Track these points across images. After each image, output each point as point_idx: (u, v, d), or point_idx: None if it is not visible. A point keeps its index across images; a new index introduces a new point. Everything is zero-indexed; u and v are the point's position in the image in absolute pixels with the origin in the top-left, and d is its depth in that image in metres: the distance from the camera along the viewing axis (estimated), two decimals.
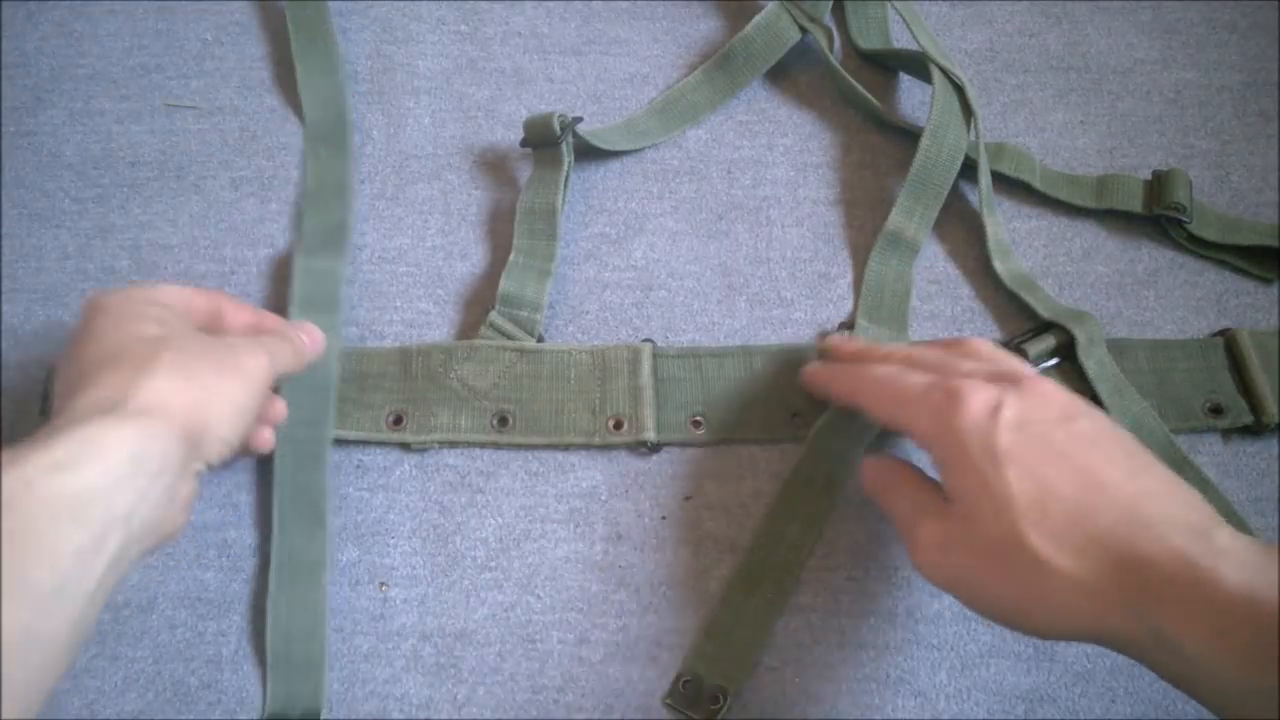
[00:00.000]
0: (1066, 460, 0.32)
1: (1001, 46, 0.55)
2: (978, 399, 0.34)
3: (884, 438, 0.44)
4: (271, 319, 0.42)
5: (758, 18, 0.52)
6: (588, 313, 0.48)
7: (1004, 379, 0.35)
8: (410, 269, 0.49)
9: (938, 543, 0.34)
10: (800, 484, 0.43)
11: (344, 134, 0.51)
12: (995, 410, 0.33)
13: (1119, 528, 0.30)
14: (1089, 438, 0.33)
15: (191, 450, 0.33)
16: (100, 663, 0.41)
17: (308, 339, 0.41)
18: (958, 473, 0.34)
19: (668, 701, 0.40)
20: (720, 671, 0.40)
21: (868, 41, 0.54)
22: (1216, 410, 0.45)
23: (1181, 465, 0.43)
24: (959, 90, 0.49)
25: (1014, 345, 0.45)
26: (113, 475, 0.30)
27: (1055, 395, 0.34)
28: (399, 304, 0.48)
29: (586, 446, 0.45)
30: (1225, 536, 0.29)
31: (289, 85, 0.53)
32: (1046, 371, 0.45)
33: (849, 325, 0.46)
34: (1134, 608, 0.29)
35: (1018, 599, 0.32)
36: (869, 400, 0.39)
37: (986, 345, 0.39)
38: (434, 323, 0.47)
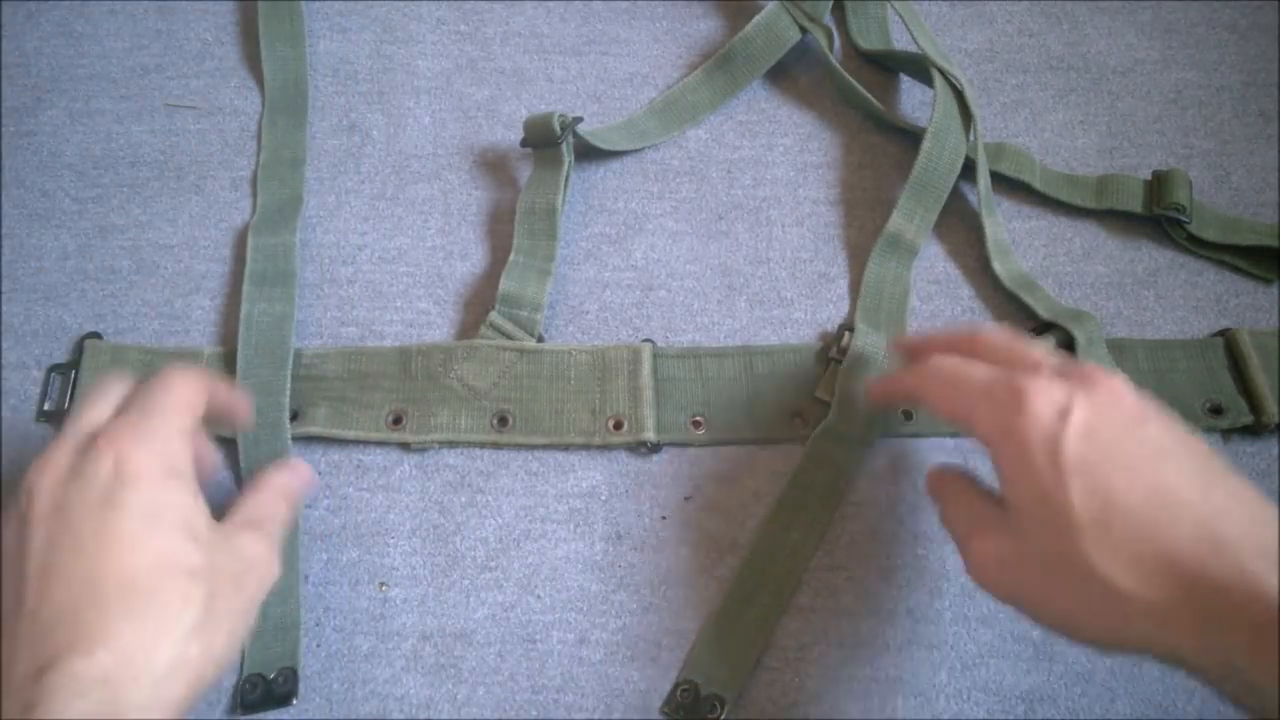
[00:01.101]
0: (1135, 473, 0.30)
1: (1001, 46, 0.55)
2: (1044, 400, 0.31)
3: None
4: (229, 397, 0.39)
5: (758, 18, 0.52)
6: (588, 313, 0.48)
7: (1074, 375, 0.33)
8: (410, 269, 0.49)
9: (995, 558, 0.32)
10: (799, 491, 0.43)
11: (302, 105, 0.52)
12: (1064, 415, 0.31)
13: (1190, 548, 0.28)
14: (1161, 447, 0.30)
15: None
16: None
17: (299, 482, 0.40)
18: (1018, 481, 0.31)
19: (665, 710, 0.40)
20: (718, 680, 0.40)
21: (868, 42, 0.54)
22: (1216, 410, 0.45)
23: None
24: (958, 93, 0.49)
25: None
26: None
27: (1126, 396, 0.32)
28: (399, 304, 0.48)
29: (586, 446, 0.45)
30: None
31: None
32: None
33: (849, 327, 0.46)
34: (1207, 636, 0.27)
35: (1078, 614, 0.30)
36: (930, 393, 0.36)
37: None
38: (434, 323, 0.47)
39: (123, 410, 0.34)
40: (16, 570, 0.30)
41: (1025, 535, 0.31)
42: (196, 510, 0.32)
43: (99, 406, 0.34)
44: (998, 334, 0.37)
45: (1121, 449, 0.30)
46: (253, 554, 0.34)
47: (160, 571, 0.30)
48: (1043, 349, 0.35)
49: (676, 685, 0.40)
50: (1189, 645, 0.28)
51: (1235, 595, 0.27)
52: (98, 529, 0.30)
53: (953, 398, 0.35)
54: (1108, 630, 0.30)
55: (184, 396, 0.34)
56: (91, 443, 0.32)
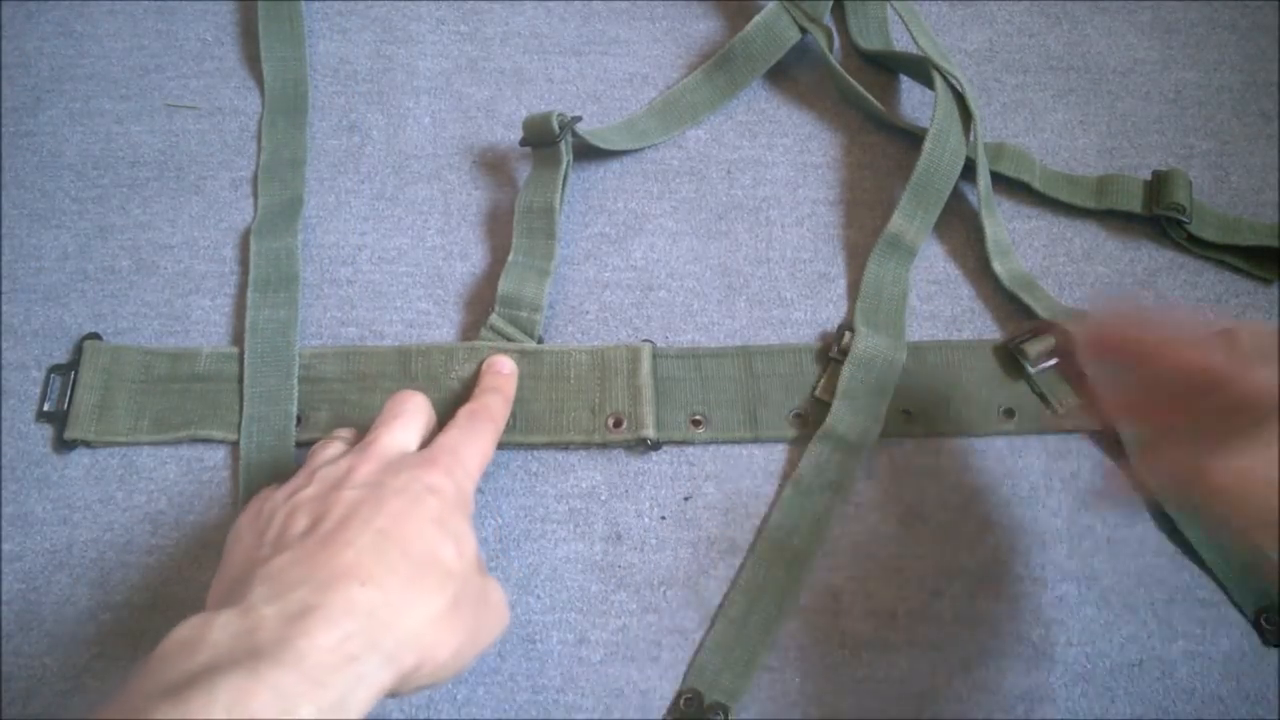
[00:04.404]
0: None
1: (1001, 46, 0.55)
2: (1248, 328, 0.33)
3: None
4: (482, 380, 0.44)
5: (758, 18, 0.52)
6: (588, 313, 0.48)
7: None
8: (410, 269, 0.49)
9: (1261, 478, 0.30)
10: (799, 495, 0.43)
11: (302, 105, 0.52)
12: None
13: None
14: None
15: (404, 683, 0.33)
16: (100, 663, 0.41)
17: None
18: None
19: (669, 719, 0.40)
20: (720, 688, 0.40)
21: (868, 42, 0.54)
22: None
23: None
24: (958, 94, 0.49)
25: (1014, 345, 0.46)
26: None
27: None
28: (399, 304, 0.48)
29: (586, 445, 0.45)
30: None
31: None
32: (1045, 372, 0.45)
33: (849, 327, 0.46)
34: None
35: None
36: (1158, 345, 0.35)
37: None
38: (434, 323, 0.47)
39: (431, 445, 0.39)
40: (316, 509, 0.35)
41: None
42: (468, 537, 0.36)
43: (400, 434, 0.39)
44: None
45: None
46: (495, 597, 0.37)
47: (429, 560, 0.34)
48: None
49: (680, 694, 0.40)
50: None
51: None
52: (400, 509, 0.34)
53: (1177, 349, 0.34)
54: None
55: (487, 455, 0.40)
56: (403, 461, 0.37)
